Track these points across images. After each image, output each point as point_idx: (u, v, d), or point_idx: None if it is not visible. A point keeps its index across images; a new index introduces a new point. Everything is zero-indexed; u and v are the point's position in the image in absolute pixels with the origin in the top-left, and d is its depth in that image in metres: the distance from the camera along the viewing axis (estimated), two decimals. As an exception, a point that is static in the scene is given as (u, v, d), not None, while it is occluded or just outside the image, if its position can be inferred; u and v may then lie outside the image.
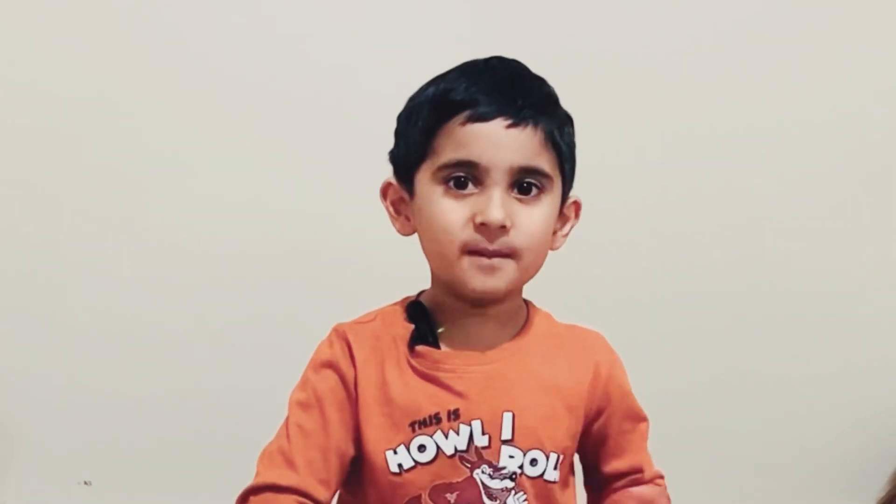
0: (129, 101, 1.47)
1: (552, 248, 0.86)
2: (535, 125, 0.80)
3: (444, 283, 0.85)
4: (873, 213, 1.59)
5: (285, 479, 0.81)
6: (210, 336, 1.51)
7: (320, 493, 0.82)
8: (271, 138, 1.48)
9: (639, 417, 0.92)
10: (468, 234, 0.79)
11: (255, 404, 1.44)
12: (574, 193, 0.88)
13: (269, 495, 0.81)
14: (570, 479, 0.89)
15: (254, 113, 1.48)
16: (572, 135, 0.86)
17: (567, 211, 0.88)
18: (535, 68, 0.86)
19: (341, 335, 0.86)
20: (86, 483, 1.53)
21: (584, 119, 0.89)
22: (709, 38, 1.53)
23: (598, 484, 0.92)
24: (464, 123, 0.79)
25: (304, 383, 0.87)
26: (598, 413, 0.89)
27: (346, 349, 0.85)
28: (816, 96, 1.55)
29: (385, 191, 0.88)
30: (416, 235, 0.86)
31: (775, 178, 1.55)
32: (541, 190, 0.81)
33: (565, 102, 0.86)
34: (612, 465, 0.91)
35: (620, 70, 1.51)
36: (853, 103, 1.56)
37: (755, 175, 1.55)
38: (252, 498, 0.82)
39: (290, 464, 0.82)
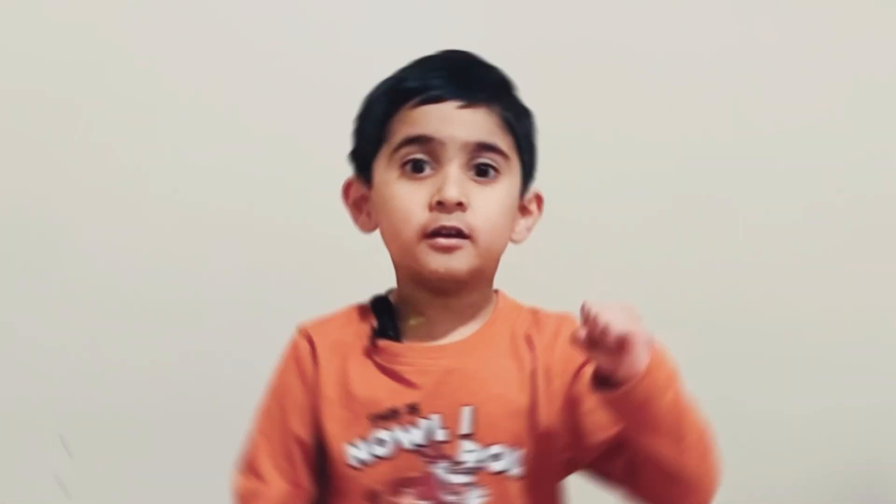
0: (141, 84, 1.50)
1: (515, 241, 0.87)
2: (489, 106, 0.81)
3: (407, 273, 0.85)
4: (865, 256, 1.59)
5: (256, 495, 0.85)
6: (200, 309, 1.52)
7: (290, 492, 0.85)
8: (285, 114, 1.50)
9: None
10: (425, 217, 0.80)
11: (237, 379, 1.44)
12: (535, 187, 0.88)
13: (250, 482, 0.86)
14: (553, 477, 0.86)
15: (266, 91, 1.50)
16: (531, 127, 0.86)
17: (529, 205, 0.88)
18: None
19: (304, 335, 0.88)
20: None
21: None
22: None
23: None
24: (416, 105, 0.80)
25: (268, 388, 0.89)
26: (571, 380, 0.83)
27: (309, 348, 0.87)
28: (816, 131, 1.56)
29: (346, 190, 0.90)
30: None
31: (767, 215, 1.57)
32: (498, 172, 0.82)
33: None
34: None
35: (637, 81, 1.51)
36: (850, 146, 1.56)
37: (747, 209, 1.56)
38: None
39: (258, 474, 0.86)
